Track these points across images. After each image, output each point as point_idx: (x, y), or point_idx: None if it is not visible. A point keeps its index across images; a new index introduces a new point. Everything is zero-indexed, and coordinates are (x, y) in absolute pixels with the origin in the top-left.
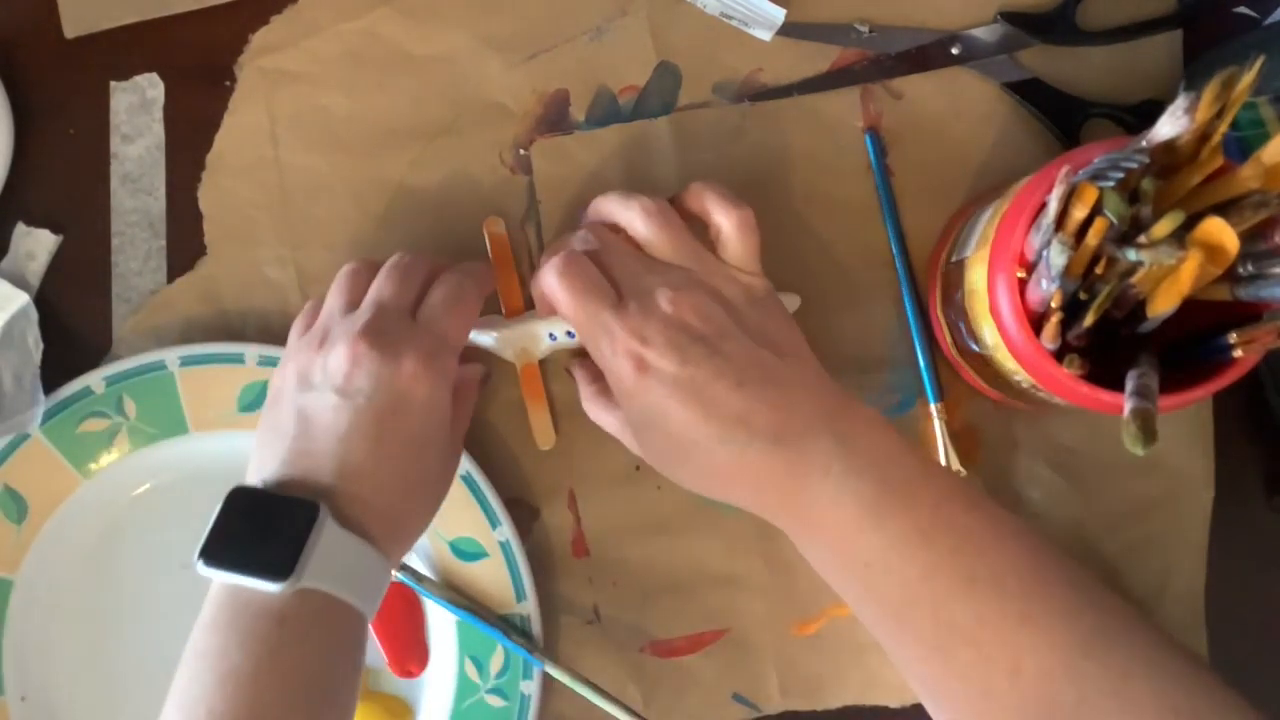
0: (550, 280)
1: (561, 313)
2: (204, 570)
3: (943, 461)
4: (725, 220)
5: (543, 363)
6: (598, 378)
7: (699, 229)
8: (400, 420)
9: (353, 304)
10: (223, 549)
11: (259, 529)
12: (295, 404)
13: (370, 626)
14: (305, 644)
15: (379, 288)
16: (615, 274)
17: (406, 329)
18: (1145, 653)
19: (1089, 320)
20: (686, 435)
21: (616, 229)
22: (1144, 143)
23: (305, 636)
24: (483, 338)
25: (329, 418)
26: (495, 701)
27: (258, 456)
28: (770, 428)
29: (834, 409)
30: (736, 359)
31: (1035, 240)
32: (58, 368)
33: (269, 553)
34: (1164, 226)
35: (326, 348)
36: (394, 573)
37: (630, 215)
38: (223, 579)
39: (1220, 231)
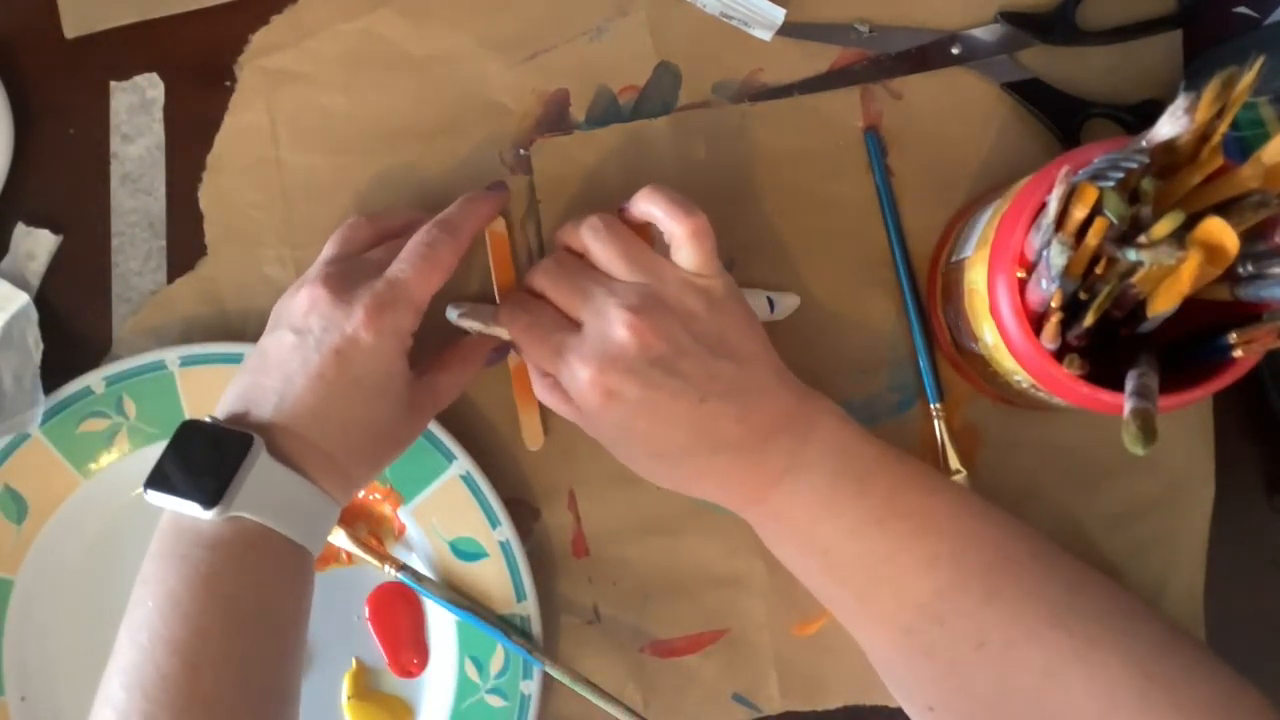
0: (505, 323)
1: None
2: (148, 497)
3: (942, 461)
4: (678, 229)
5: None
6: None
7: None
8: (344, 363)
9: (342, 256)
10: (166, 478)
11: (199, 459)
12: (262, 343)
13: (368, 621)
14: (239, 571)
15: (364, 244)
16: (574, 300)
17: (367, 279)
18: (1116, 621)
19: (1089, 320)
20: (653, 449)
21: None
22: (1144, 143)
23: (238, 564)
24: (470, 323)
25: (281, 354)
26: (495, 701)
27: (225, 393)
28: (733, 438)
29: (793, 409)
30: (696, 377)
31: (1035, 240)
32: (58, 368)
33: (204, 481)
34: (1164, 226)
35: (297, 291)
36: (394, 573)
37: (583, 239)
38: (163, 505)
39: (1220, 231)
